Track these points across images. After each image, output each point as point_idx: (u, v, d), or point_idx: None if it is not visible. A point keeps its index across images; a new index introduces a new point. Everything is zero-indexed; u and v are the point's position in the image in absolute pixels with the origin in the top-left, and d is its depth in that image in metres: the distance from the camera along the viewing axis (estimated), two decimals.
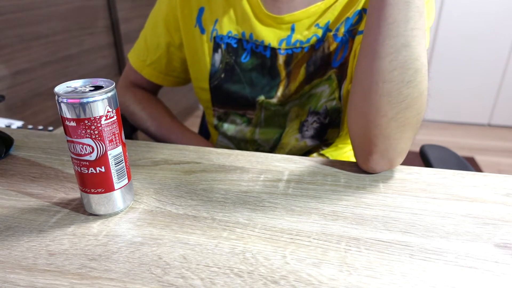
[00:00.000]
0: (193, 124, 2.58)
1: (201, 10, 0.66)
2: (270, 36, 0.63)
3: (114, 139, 0.39)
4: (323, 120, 0.67)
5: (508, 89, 2.45)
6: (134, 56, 0.76)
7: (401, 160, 0.50)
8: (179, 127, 0.74)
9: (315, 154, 0.74)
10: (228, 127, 0.74)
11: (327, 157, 0.74)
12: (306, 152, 0.74)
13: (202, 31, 0.67)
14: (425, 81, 0.46)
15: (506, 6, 2.27)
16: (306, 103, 0.66)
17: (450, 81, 2.51)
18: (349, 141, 0.74)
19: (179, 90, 2.41)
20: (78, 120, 0.36)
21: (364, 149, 0.49)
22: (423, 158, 0.75)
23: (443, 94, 2.55)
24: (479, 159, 2.15)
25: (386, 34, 0.43)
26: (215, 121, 0.75)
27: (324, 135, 0.70)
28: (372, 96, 0.45)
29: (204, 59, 0.69)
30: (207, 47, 0.67)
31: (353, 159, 0.75)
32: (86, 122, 0.37)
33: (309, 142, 0.71)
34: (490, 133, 2.48)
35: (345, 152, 0.75)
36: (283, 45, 0.63)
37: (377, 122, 0.46)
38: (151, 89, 0.80)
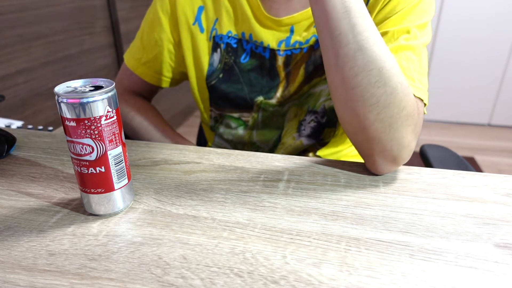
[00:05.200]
0: (193, 124, 2.58)
1: (200, 9, 0.66)
2: (269, 37, 0.63)
3: (114, 139, 0.39)
4: (321, 119, 0.67)
5: (508, 89, 2.45)
6: (129, 56, 0.75)
7: (406, 157, 0.49)
8: (165, 126, 0.72)
9: (310, 155, 0.73)
10: (224, 131, 0.73)
11: None
12: (301, 152, 0.73)
13: (202, 29, 0.67)
14: (396, 76, 0.44)
15: (506, 7, 2.27)
16: (304, 103, 0.66)
17: (450, 81, 2.51)
18: (344, 141, 0.74)
19: (179, 90, 2.41)
20: (78, 120, 0.36)
21: (364, 152, 0.50)
22: (423, 158, 0.75)
23: (443, 94, 2.55)
24: (479, 159, 2.15)
25: (338, 45, 0.43)
26: (211, 122, 0.75)
27: (320, 134, 0.70)
28: (348, 104, 0.46)
29: (202, 58, 0.68)
30: (206, 46, 0.67)
31: (350, 159, 0.75)
32: (86, 122, 0.37)
33: (305, 141, 0.71)
34: (490, 133, 2.48)
35: (340, 151, 0.75)
36: (282, 46, 0.63)
37: (362, 126, 0.46)
38: (145, 93, 0.78)
